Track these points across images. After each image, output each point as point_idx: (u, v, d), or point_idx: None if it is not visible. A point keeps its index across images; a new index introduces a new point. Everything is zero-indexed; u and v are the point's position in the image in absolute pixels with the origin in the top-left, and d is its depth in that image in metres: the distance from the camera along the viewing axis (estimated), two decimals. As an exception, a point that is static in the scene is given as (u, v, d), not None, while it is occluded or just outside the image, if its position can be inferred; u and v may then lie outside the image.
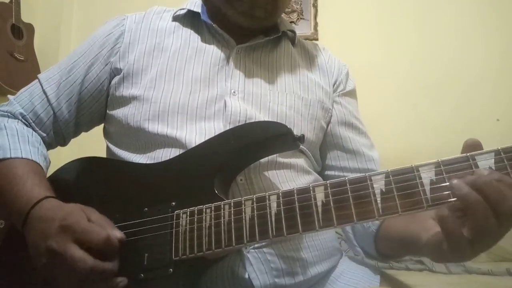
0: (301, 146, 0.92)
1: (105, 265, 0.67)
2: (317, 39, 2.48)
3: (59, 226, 0.69)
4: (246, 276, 0.77)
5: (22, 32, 2.42)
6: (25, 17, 2.44)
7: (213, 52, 0.94)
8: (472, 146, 0.59)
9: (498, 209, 0.55)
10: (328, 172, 1.01)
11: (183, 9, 0.99)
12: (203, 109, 0.87)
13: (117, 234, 0.70)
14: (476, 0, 2.40)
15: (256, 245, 0.79)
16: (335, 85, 1.04)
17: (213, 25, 0.95)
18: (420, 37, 2.42)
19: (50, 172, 0.91)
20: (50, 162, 0.91)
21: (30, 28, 2.49)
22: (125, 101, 0.91)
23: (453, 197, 0.57)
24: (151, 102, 0.88)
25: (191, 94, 0.89)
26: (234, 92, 0.89)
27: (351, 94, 1.07)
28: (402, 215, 0.59)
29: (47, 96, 0.94)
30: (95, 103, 0.97)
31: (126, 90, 0.92)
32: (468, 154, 0.58)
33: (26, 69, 2.36)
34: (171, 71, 0.91)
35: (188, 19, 0.99)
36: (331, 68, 1.06)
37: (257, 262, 0.78)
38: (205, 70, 0.92)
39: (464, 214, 0.57)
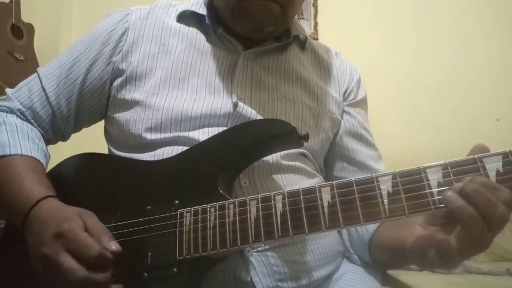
0: (305, 151, 0.91)
1: (98, 276, 0.66)
2: (317, 39, 2.48)
3: (54, 233, 0.68)
4: (249, 279, 0.77)
5: (22, 32, 2.41)
6: (25, 17, 2.43)
7: (219, 57, 0.92)
8: (480, 151, 0.59)
9: (489, 219, 0.55)
10: None
11: (187, 9, 0.96)
12: (207, 117, 0.85)
13: (112, 246, 0.68)
14: (476, 0, 2.40)
15: (259, 248, 0.78)
16: (346, 94, 1.02)
17: (219, 30, 0.92)
18: (420, 37, 2.42)
19: (51, 166, 0.90)
20: (50, 157, 0.90)
21: (30, 28, 2.48)
22: (127, 105, 0.89)
23: (447, 208, 0.57)
24: (153, 110, 0.86)
25: (195, 102, 0.86)
26: (241, 98, 0.87)
27: (362, 103, 1.05)
28: (410, 217, 0.59)
29: (46, 94, 0.91)
30: (96, 103, 0.95)
31: (128, 94, 0.89)
32: (476, 156, 0.58)
33: (26, 69, 2.35)
34: (176, 76, 0.89)
35: (194, 19, 0.96)
36: (343, 75, 1.03)
37: (260, 265, 0.78)
38: (211, 76, 0.90)
39: (450, 222, 0.59)
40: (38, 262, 0.69)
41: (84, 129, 1.02)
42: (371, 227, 0.89)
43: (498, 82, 2.30)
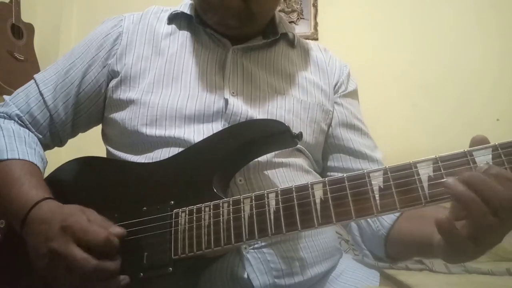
0: (300, 146, 0.92)
1: (107, 264, 0.67)
2: (317, 39, 2.49)
3: (60, 227, 0.69)
4: (246, 276, 0.77)
5: (22, 32, 2.42)
6: (25, 17, 2.43)
7: (210, 54, 0.94)
8: (479, 142, 0.59)
9: (493, 205, 0.54)
10: (330, 173, 1.00)
11: (176, 11, 0.98)
12: (201, 112, 0.87)
13: (118, 230, 0.71)
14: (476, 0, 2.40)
15: (255, 246, 0.79)
16: (336, 87, 1.03)
17: (207, 28, 0.95)
18: (420, 37, 2.42)
19: (48, 172, 0.90)
20: (47, 162, 0.91)
21: (30, 28, 2.49)
22: (123, 104, 0.91)
23: (448, 196, 0.57)
24: (148, 107, 0.88)
25: (189, 98, 0.88)
26: (233, 93, 0.89)
27: (353, 94, 1.06)
28: (401, 211, 0.59)
29: (43, 98, 0.93)
30: (93, 105, 0.96)
31: (123, 94, 0.91)
32: (465, 150, 0.58)
33: (26, 69, 2.36)
34: (169, 75, 0.91)
35: (184, 20, 0.98)
36: (332, 69, 1.04)
37: (257, 262, 0.78)
38: (203, 72, 0.91)
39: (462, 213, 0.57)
40: (44, 259, 0.70)
41: (82, 134, 1.03)
42: (387, 222, 0.89)
43: (498, 82, 2.30)
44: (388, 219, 0.89)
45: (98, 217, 0.72)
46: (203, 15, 0.94)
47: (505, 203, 0.54)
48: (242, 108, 0.87)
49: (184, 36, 0.96)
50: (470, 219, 0.56)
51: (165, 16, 0.99)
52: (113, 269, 0.68)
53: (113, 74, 0.94)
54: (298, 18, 2.56)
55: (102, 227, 0.69)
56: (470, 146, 0.60)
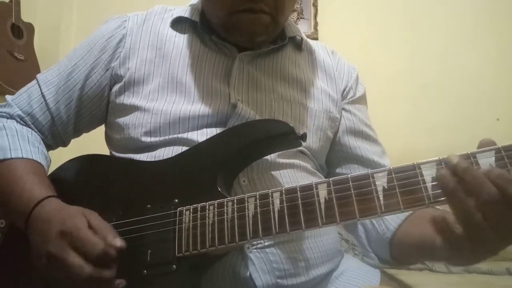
0: (304, 150, 0.92)
1: (103, 273, 0.67)
2: (317, 39, 2.49)
3: (58, 231, 0.68)
4: (248, 275, 0.77)
5: (22, 31, 2.42)
6: (25, 16, 2.43)
7: (215, 60, 0.92)
8: (487, 146, 0.59)
9: (477, 199, 0.54)
10: None
11: (180, 15, 0.96)
12: (205, 117, 0.86)
13: (117, 242, 0.68)
14: (475, -1, 2.41)
15: (259, 245, 0.79)
16: (344, 92, 1.02)
17: (212, 36, 0.93)
18: (419, 36, 2.43)
19: (51, 170, 0.90)
20: (50, 161, 0.91)
21: (30, 28, 2.49)
22: (126, 110, 0.90)
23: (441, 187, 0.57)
24: (152, 114, 0.87)
25: (193, 104, 0.87)
26: (238, 100, 0.88)
27: (361, 100, 1.04)
28: (405, 212, 0.59)
29: (45, 100, 0.92)
30: (95, 108, 0.96)
31: (127, 99, 0.90)
32: (469, 152, 0.58)
33: (26, 69, 2.36)
34: (173, 80, 0.90)
35: (189, 24, 0.96)
36: (340, 74, 1.03)
37: (260, 261, 0.78)
38: (208, 79, 0.90)
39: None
40: (43, 260, 0.70)
41: (85, 133, 1.02)
42: (392, 225, 0.88)
43: (498, 82, 2.30)
44: (393, 222, 0.88)
45: (99, 223, 0.71)
46: (225, 34, 0.92)
47: (487, 197, 0.54)
48: (249, 114, 0.86)
49: (189, 40, 0.95)
50: (457, 213, 0.57)
51: (169, 17, 0.98)
52: (108, 277, 0.67)
53: (116, 78, 0.93)
54: (298, 18, 2.56)
55: (101, 237, 0.68)
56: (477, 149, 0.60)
